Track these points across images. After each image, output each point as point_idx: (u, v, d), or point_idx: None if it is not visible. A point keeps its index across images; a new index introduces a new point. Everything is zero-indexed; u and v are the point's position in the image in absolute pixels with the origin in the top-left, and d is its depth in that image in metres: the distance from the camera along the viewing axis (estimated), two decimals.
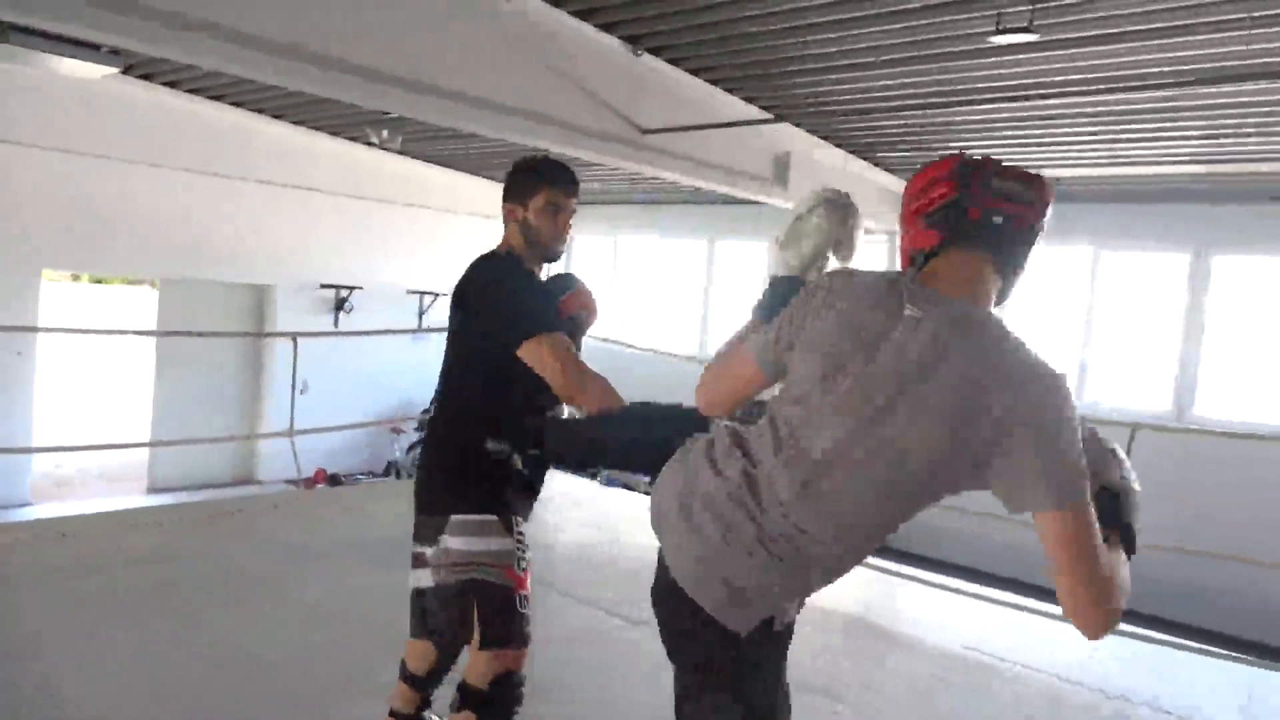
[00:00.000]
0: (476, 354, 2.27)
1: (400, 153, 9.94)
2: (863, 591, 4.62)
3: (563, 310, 2.30)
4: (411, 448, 10.43)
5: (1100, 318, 8.38)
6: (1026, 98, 5.66)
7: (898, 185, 8.58)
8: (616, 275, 12.06)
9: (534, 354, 2.16)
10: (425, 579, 2.25)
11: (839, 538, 1.50)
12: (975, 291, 1.52)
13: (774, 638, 1.57)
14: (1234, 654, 4.11)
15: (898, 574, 4.94)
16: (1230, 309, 7.78)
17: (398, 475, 10.24)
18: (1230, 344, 7.78)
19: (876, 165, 8.15)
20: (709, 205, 10.71)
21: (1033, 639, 4.02)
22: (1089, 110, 6.03)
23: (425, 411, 9.35)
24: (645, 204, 11.42)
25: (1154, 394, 8.00)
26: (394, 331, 9.48)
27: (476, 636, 2.15)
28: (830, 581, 1.57)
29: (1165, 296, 8.04)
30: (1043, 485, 1.36)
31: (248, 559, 4.45)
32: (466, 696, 2.16)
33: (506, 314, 2.21)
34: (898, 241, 1.67)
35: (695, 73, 6.13)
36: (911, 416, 1.42)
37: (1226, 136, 6.13)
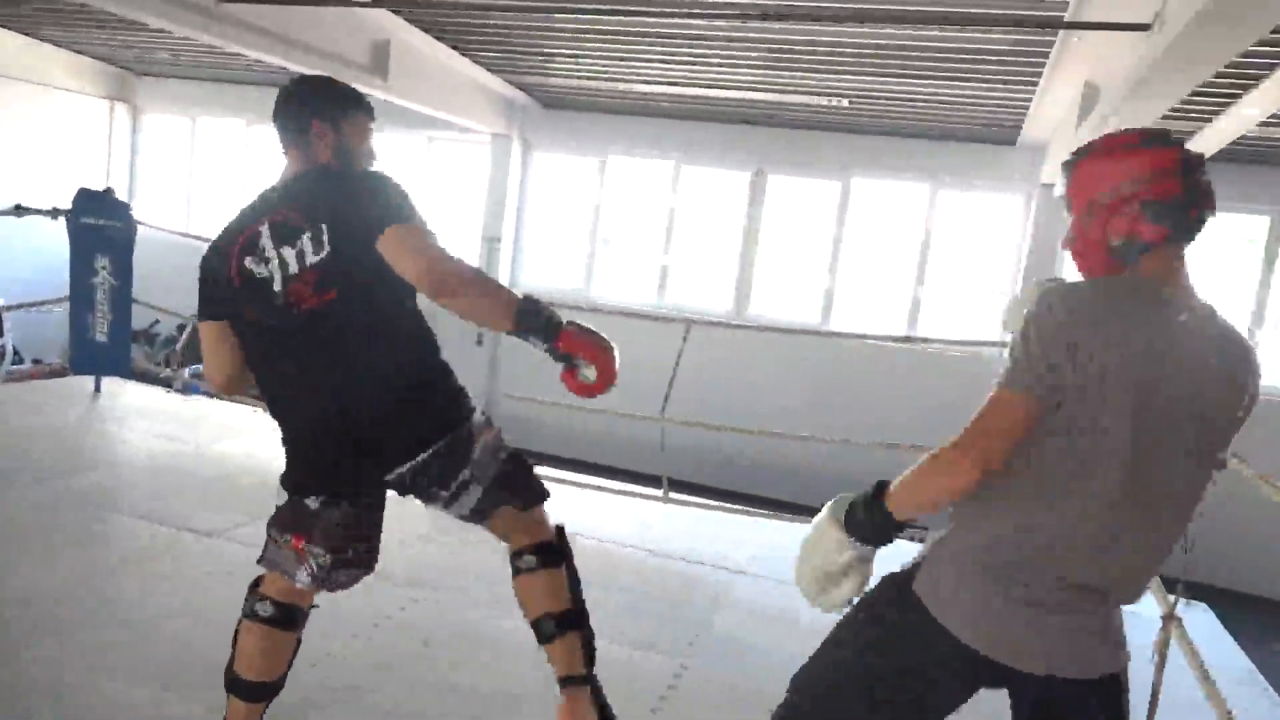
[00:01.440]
0: (359, 278, 1.97)
1: None
2: None
3: (572, 340, 1.99)
4: None
5: (680, 225, 9.25)
6: (625, 13, 5.96)
7: (498, 84, 8.64)
8: (195, 161, 10.81)
9: (397, 243, 1.90)
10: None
11: None
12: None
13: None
14: (767, 513, 4.91)
15: None
16: (781, 222, 9.02)
17: None
18: (779, 252, 9.05)
19: (476, 62, 8.09)
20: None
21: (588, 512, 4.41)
22: (670, 32, 6.51)
23: None
24: (230, 83, 10.30)
25: (718, 295, 9.08)
26: None
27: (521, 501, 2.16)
28: None
29: (731, 209, 9.09)
30: None
31: None
32: (549, 554, 2.18)
33: (370, 206, 1.96)
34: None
35: None
36: None
37: (784, 68, 7.00)
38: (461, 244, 9.77)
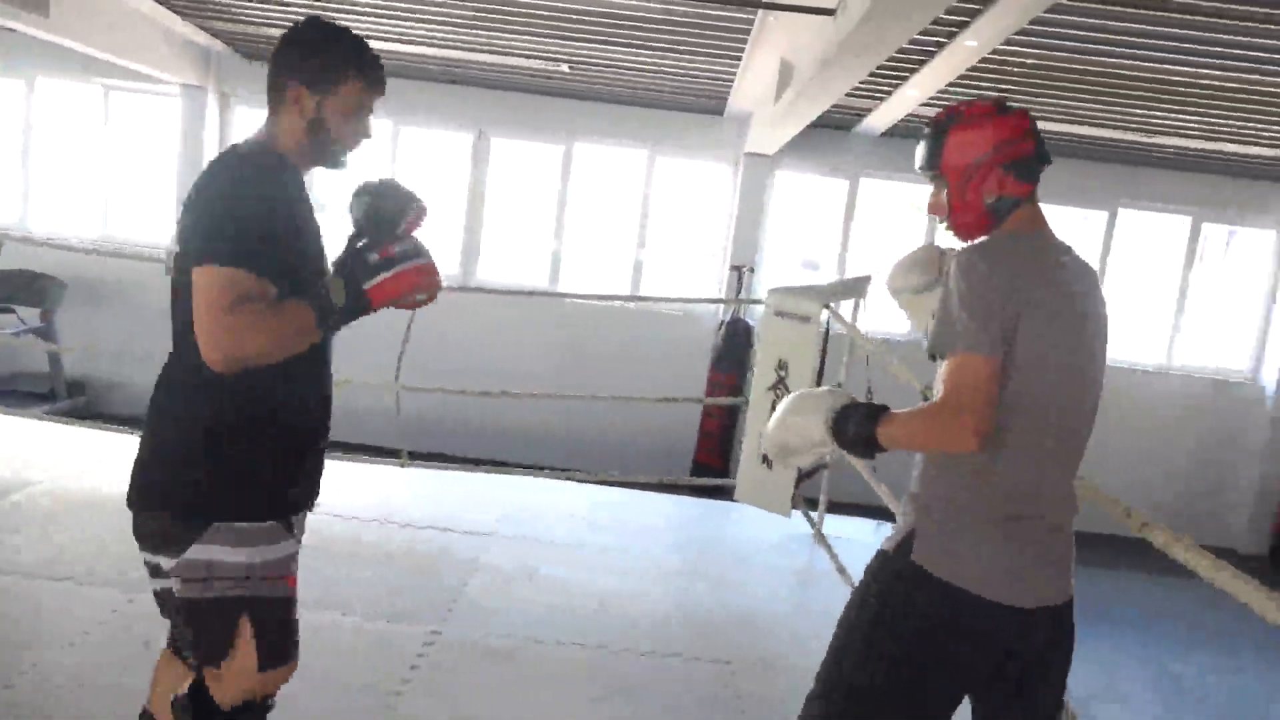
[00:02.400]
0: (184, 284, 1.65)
1: None
2: None
3: (382, 291, 1.69)
4: None
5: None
6: None
7: (190, 30, 7.84)
8: None
9: (196, 282, 1.59)
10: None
11: None
12: None
13: None
14: (513, 470, 4.98)
15: None
16: (506, 185, 9.02)
17: None
18: (505, 215, 9.06)
19: (160, 2, 7.27)
20: None
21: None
22: None
23: None
24: None
25: (445, 259, 8.93)
26: None
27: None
28: None
29: (453, 171, 8.95)
30: None
31: None
32: (202, 709, 1.72)
33: (192, 219, 1.65)
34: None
35: None
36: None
37: (502, 30, 6.96)
38: (150, 207, 8.86)
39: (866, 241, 9.00)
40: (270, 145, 1.73)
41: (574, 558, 3.80)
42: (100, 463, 4.18)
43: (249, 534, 1.67)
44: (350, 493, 4.23)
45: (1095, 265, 1.81)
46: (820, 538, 4.18)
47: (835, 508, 4.36)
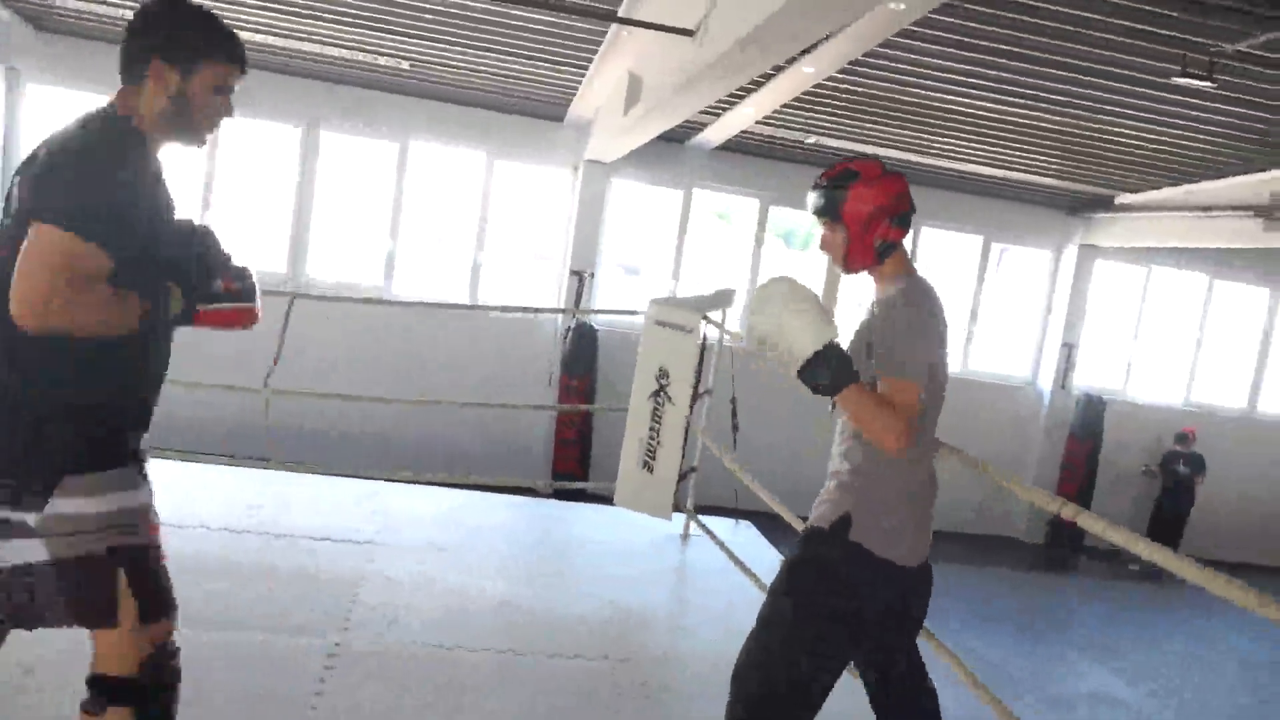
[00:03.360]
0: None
1: None
2: None
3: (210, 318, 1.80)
4: None
5: (222, 181, 8.44)
6: None
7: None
8: None
9: (29, 237, 1.56)
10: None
11: None
12: None
13: None
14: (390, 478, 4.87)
15: None
16: (338, 182, 8.69)
17: None
18: (336, 213, 8.73)
19: None
20: None
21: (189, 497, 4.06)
22: None
23: None
24: None
25: (270, 256, 8.50)
26: None
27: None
28: None
29: (280, 165, 8.53)
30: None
31: None
32: (116, 691, 1.68)
33: (43, 185, 1.63)
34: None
35: None
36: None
37: (334, 21, 6.73)
38: None
39: (697, 251, 9.40)
40: (128, 119, 1.73)
41: (461, 563, 3.79)
42: None
43: (104, 482, 1.68)
44: (218, 502, 4.00)
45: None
46: (693, 537, 4.39)
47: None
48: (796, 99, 6.72)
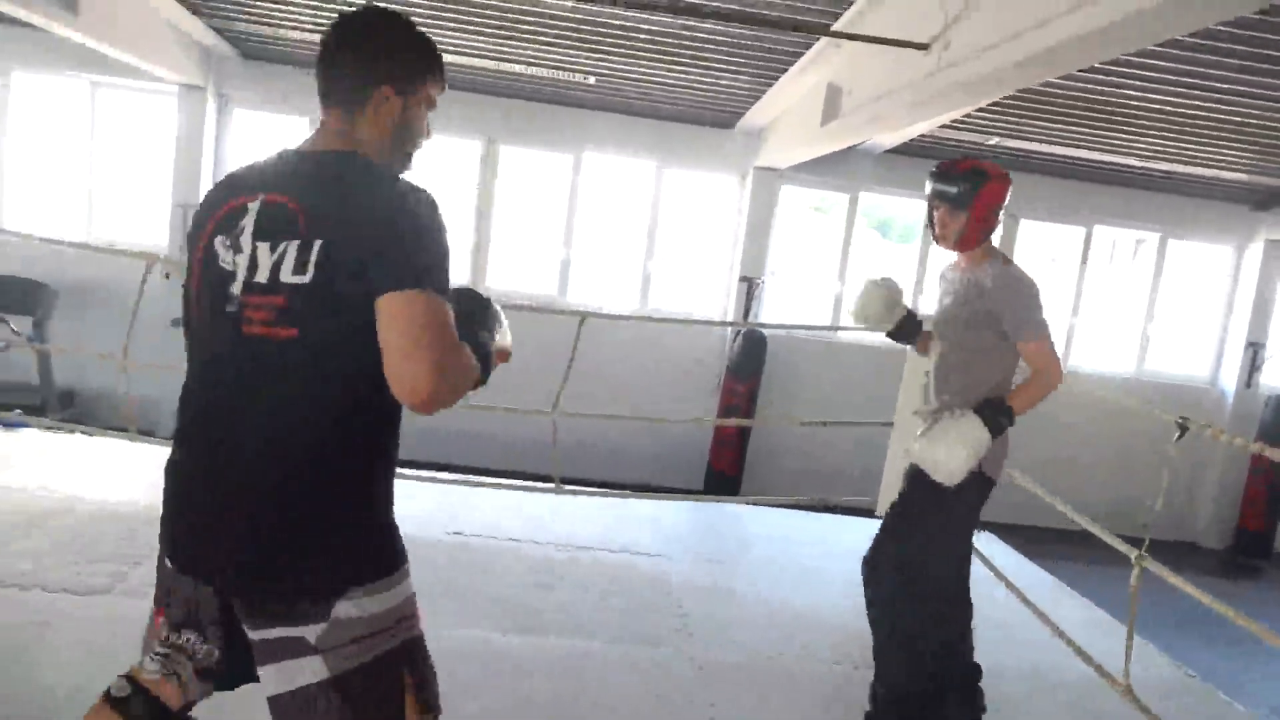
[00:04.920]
0: (330, 324, 1.42)
1: None
2: None
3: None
4: None
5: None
6: None
7: (197, 28, 7.56)
8: None
9: (392, 316, 1.36)
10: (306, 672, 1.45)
11: None
12: None
13: None
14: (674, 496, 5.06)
15: None
16: (514, 194, 8.98)
17: None
18: (513, 224, 9.03)
19: (181, 3, 7.01)
20: None
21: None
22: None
23: None
24: None
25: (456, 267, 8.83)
26: None
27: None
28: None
29: (462, 179, 8.89)
30: None
31: None
32: None
33: (391, 249, 1.40)
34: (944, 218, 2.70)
35: None
36: None
37: (528, 41, 6.97)
38: (149, 209, 8.48)
39: (864, 254, 9.38)
40: (357, 152, 1.55)
41: (737, 571, 3.95)
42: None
43: (397, 575, 1.53)
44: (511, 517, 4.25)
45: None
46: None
47: None
48: (985, 108, 6.67)
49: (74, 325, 7.95)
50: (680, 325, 8.77)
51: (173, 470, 1.56)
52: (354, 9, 1.65)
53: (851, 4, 5.37)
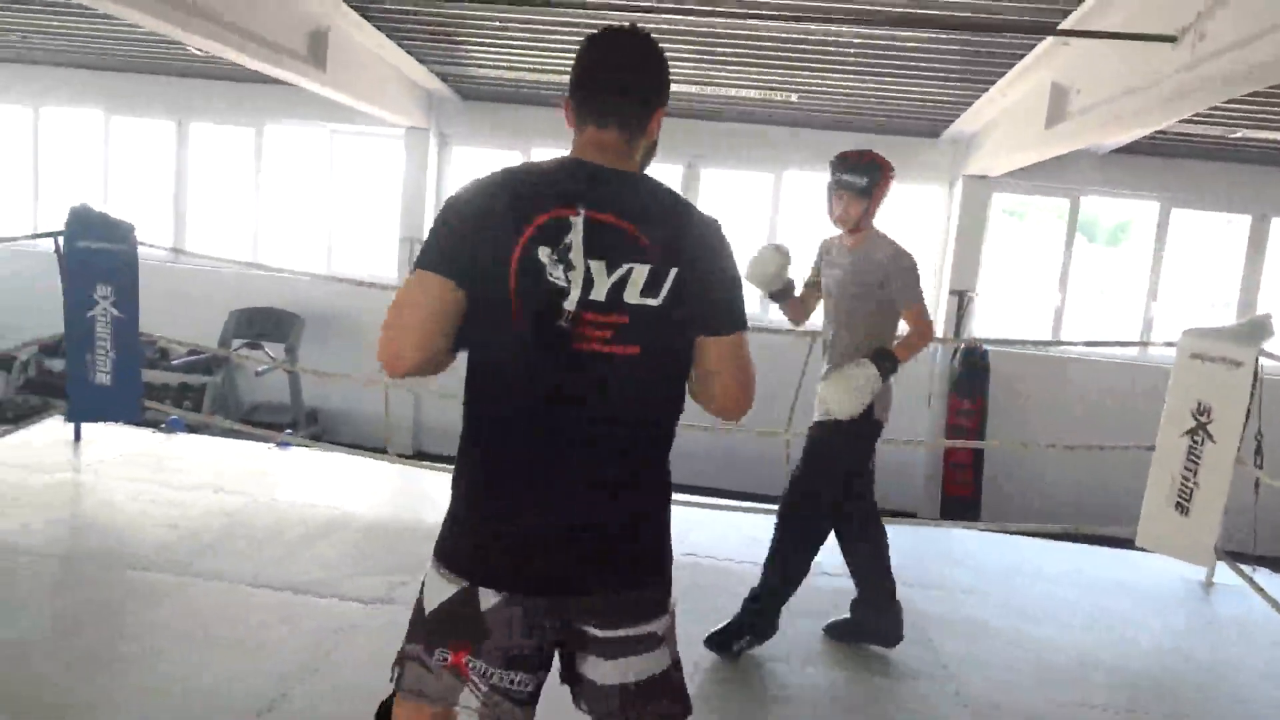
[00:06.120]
0: (672, 343, 1.57)
1: None
2: None
3: None
4: None
5: None
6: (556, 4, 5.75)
7: (421, 74, 8.14)
8: (40, 155, 9.48)
9: (732, 352, 1.59)
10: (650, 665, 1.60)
11: None
12: None
13: None
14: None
15: None
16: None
17: None
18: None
19: (409, 51, 7.58)
20: (181, 79, 8.92)
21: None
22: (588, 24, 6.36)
23: None
24: (83, 68, 9.05)
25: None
26: None
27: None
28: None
29: None
30: None
31: None
32: None
33: (725, 291, 1.59)
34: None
35: None
36: None
37: (729, 63, 7.02)
38: (379, 244, 9.19)
39: (1087, 261, 8.81)
40: (646, 175, 1.67)
41: (998, 604, 3.78)
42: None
43: None
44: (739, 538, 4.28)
45: None
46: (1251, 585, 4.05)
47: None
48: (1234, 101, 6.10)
49: (317, 350, 8.72)
50: None
51: (501, 493, 1.52)
52: (618, 29, 1.65)
53: (1081, 1, 5.08)
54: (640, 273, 1.48)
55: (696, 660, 2.90)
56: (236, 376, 8.87)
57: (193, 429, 5.46)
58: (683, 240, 1.53)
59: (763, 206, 8.94)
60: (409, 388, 7.71)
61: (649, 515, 1.59)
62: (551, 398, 1.49)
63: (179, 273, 8.54)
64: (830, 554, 3.14)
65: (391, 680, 1.56)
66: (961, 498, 8.17)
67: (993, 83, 6.71)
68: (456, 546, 1.54)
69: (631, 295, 1.47)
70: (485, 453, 1.54)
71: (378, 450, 5.18)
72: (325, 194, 9.32)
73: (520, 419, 1.51)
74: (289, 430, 5.86)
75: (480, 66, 8.02)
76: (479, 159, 9.31)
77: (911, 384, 8.54)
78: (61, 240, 4.13)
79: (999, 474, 8.31)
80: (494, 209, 1.49)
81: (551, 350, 1.47)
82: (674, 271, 1.49)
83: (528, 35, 6.88)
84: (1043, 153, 6.87)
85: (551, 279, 1.45)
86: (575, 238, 1.46)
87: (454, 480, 1.57)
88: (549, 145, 9.03)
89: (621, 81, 1.61)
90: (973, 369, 8.25)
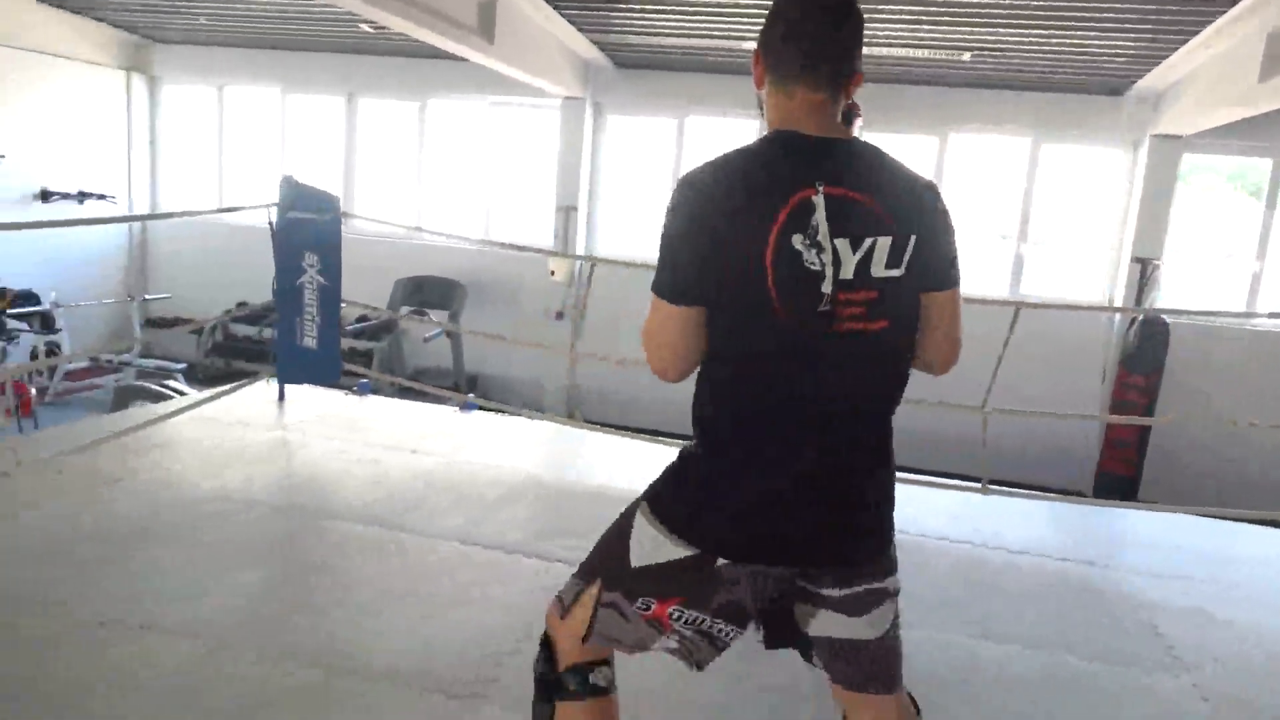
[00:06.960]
0: (911, 312, 1.59)
1: None
2: None
3: None
4: None
5: None
6: None
7: (582, 45, 8.19)
8: (223, 133, 10.09)
9: (951, 307, 1.62)
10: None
11: None
12: None
13: None
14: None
15: None
16: None
17: None
18: None
19: (571, 21, 7.62)
20: (352, 55, 9.29)
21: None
22: None
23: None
24: (259, 48, 9.55)
25: None
26: None
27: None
28: None
29: None
30: None
31: None
32: None
33: (950, 248, 1.61)
34: None
35: None
36: None
37: (911, 23, 6.73)
38: (536, 213, 9.36)
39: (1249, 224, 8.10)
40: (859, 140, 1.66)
41: (1206, 591, 3.57)
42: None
43: None
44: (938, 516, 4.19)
45: None
46: None
47: None
48: None
49: (477, 316, 8.99)
50: (1059, 311, 8.12)
51: (763, 474, 1.53)
52: None
53: None
54: (883, 245, 1.49)
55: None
56: (403, 342, 9.24)
57: (375, 391, 5.71)
58: (915, 206, 1.54)
59: (927, 169, 8.59)
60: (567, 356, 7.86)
61: (892, 487, 1.64)
62: (817, 382, 1.50)
63: (348, 242, 8.91)
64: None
65: (559, 611, 1.69)
66: (1120, 475, 7.71)
67: (1196, 33, 6.21)
68: (698, 517, 1.55)
69: (878, 269, 1.49)
70: (745, 437, 1.54)
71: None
72: (484, 165, 9.54)
73: (785, 404, 1.51)
74: (471, 395, 6.06)
75: (637, 34, 7.99)
76: (633, 127, 9.33)
77: (1082, 358, 8.12)
78: (274, 211, 4.35)
79: (1167, 453, 7.80)
80: (733, 210, 1.46)
81: (815, 336, 1.48)
82: (913, 239, 1.51)
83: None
84: (1257, 108, 6.32)
85: (807, 265, 1.45)
86: (819, 218, 1.45)
87: (695, 458, 1.58)
88: (703, 112, 8.96)
89: (845, 44, 1.55)
90: (1151, 342, 7.74)
